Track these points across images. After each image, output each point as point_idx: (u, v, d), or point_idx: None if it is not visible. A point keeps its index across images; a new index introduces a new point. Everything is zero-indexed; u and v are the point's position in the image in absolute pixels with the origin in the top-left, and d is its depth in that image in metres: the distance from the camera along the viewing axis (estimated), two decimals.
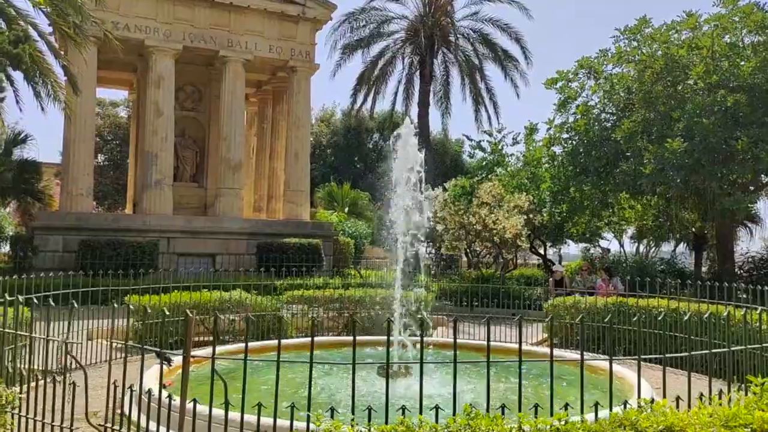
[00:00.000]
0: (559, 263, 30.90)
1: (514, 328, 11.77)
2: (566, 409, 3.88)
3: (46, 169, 26.92)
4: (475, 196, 18.34)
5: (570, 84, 19.66)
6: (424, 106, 23.97)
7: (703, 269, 23.28)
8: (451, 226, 18.10)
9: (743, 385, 5.12)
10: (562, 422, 3.50)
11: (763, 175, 17.57)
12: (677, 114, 16.01)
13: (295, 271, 19.43)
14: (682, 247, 31.70)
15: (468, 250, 21.59)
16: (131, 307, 11.27)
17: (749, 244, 25.86)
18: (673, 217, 20.10)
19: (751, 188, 18.08)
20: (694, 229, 22.74)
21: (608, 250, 36.02)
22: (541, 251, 24.04)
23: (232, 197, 24.48)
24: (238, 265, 22.60)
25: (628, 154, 16.43)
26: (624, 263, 23.36)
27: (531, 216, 17.95)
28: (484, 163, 24.27)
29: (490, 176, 22.18)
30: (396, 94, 26.94)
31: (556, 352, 9.24)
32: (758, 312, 5.71)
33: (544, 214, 19.03)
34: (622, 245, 38.93)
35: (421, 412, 3.88)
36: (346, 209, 30.55)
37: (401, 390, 7.90)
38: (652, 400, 4.52)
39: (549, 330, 13.05)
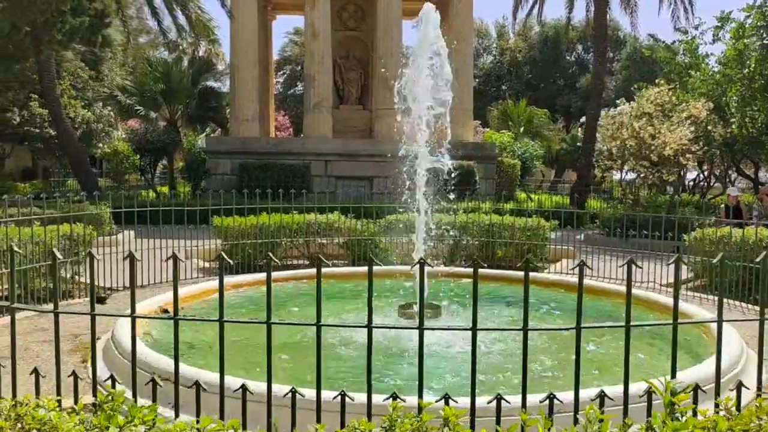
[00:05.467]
0: None
1: (663, 266, 9.52)
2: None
3: None
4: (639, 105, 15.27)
5: None
6: (601, 1, 20.45)
7: None
8: (607, 143, 15.39)
9: None
10: None
11: None
12: None
13: (453, 194, 18.49)
14: None
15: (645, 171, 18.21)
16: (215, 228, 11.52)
17: None
18: None
19: None
20: None
21: None
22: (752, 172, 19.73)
23: (389, 118, 23.86)
24: (395, 188, 22.33)
25: None
26: None
27: (710, 128, 14.43)
28: (675, 68, 20.27)
29: (683, 81, 18.46)
30: None
31: (683, 305, 7.26)
32: None
33: (733, 126, 15.19)
34: None
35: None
36: (521, 128, 28.24)
37: (431, 338, 6.69)
38: None
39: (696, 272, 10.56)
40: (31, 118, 23.50)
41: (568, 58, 46.81)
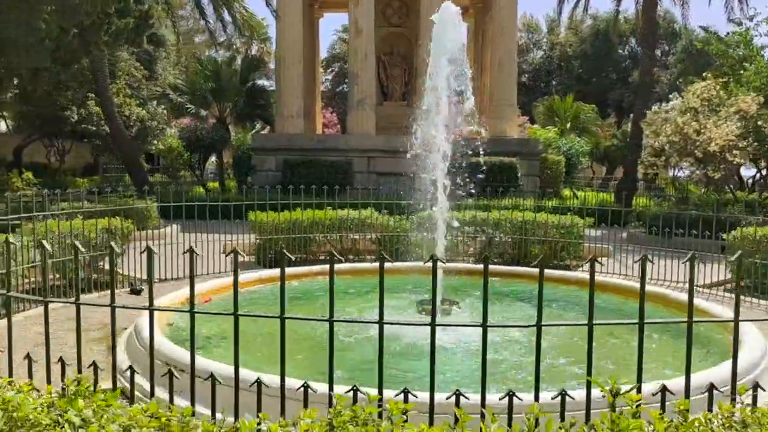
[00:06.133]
0: None
1: (707, 265, 9.70)
2: None
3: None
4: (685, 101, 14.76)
5: None
6: None
7: None
8: (651, 138, 14.95)
9: None
10: None
11: None
12: None
13: (489, 191, 18.41)
14: None
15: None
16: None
17: None
18: None
19: None
20: None
21: None
22: None
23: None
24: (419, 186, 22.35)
25: None
26: None
27: (761, 123, 13.80)
28: (728, 60, 19.51)
29: (737, 75, 17.75)
30: None
31: (708, 304, 7.10)
32: None
33: None
34: None
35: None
36: (568, 124, 27.70)
37: (447, 336, 6.63)
38: None
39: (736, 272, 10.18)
40: (88, 117, 24.55)
41: (620, 51, 45.59)
